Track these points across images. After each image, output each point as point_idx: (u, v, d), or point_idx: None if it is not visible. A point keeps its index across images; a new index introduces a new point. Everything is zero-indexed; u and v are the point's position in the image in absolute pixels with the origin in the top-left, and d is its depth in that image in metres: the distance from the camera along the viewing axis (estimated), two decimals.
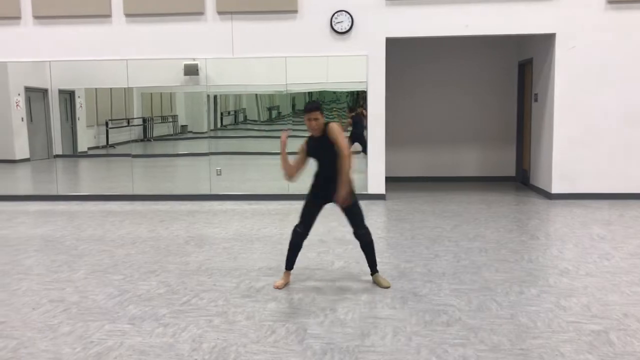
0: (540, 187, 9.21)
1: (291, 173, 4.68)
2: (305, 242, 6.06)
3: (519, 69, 10.45)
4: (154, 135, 10.92)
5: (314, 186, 4.71)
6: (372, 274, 4.84)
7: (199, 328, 3.85)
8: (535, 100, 9.40)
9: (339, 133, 4.45)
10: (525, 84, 10.19)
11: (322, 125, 4.52)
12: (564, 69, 8.41)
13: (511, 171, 10.73)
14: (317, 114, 4.49)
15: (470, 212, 7.83)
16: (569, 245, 5.96)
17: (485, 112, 10.65)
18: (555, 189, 8.59)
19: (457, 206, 8.26)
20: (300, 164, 4.70)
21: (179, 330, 3.82)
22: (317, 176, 4.70)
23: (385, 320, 3.95)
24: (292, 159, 4.70)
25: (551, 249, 5.87)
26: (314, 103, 4.59)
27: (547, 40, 8.67)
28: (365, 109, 8.81)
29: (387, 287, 4.69)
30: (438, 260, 5.43)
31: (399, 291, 4.57)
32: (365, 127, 8.83)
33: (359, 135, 9.18)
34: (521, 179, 10.42)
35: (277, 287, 4.70)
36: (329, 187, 4.54)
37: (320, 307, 4.23)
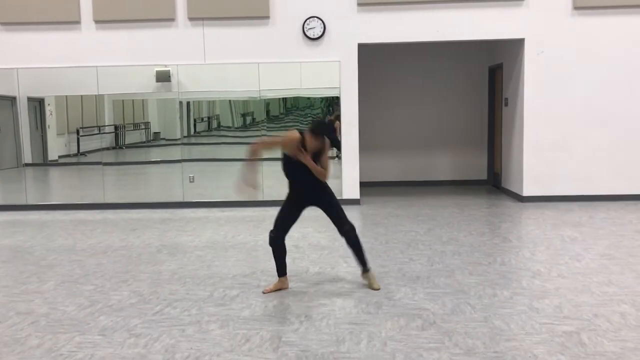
0: (511, 190, 9.33)
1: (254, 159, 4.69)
2: None
3: (490, 74, 10.59)
4: (126, 143, 10.79)
5: (289, 187, 4.80)
6: (362, 273, 4.84)
7: (172, 338, 3.80)
8: (506, 104, 9.53)
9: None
10: (496, 89, 10.33)
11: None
12: (533, 74, 8.55)
13: (483, 174, 10.85)
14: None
15: (443, 215, 7.89)
16: (540, 248, 6.04)
17: (457, 117, 10.76)
18: (527, 191, 8.71)
19: (430, 210, 8.32)
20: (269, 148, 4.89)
21: (151, 341, 3.75)
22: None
23: (360, 326, 3.94)
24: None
25: (523, 251, 5.94)
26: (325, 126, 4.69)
27: (516, 46, 8.80)
28: (338, 114, 8.82)
29: (377, 289, 4.69)
30: (412, 264, 5.45)
31: (373, 296, 4.57)
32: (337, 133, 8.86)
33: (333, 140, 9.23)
34: (493, 182, 10.55)
35: (266, 292, 4.71)
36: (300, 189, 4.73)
37: (295, 314, 4.21)
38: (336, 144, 9.06)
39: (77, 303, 4.52)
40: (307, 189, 4.72)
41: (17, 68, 8.95)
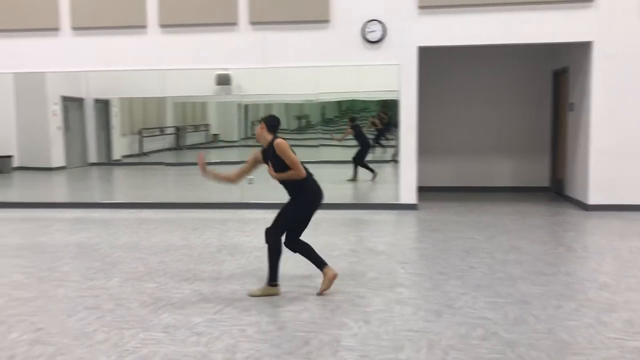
0: (575, 197, 9.02)
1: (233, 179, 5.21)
2: (336, 252, 6.06)
3: (554, 78, 10.28)
4: (186, 144, 11.05)
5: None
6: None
7: (233, 337, 3.85)
8: (571, 109, 9.23)
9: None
10: (560, 93, 10.01)
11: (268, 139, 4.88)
12: (602, 78, 8.24)
13: (545, 181, 10.54)
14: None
15: (504, 223, 7.70)
16: (607, 258, 5.81)
17: (518, 121, 10.49)
18: (592, 199, 8.40)
19: (490, 217, 8.14)
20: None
21: (212, 340, 3.82)
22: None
23: (419, 333, 3.90)
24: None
25: (589, 261, 5.73)
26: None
27: (583, 49, 8.51)
28: (392, 117, 8.77)
29: (251, 296, 4.70)
30: (473, 272, 5.34)
31: (433, 303, 4.50)
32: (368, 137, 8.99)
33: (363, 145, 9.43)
34: (555, 189, 10.22)
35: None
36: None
37: (353, 318, 4.20)
38: (362, 139, 9.24)
39: (140, 300, 4.65)
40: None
41: (87, 71, 9.29)
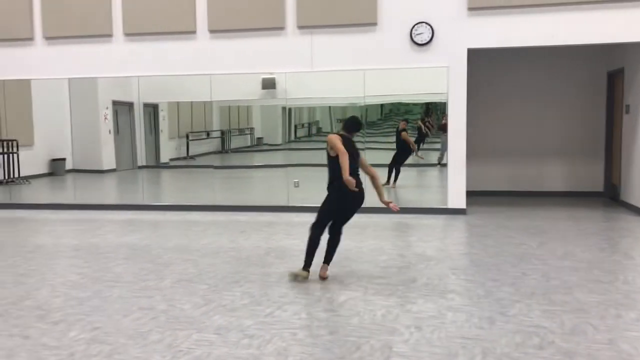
0: (632, 203, 8.71)
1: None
2: (384, 257, 6.04)
3: (608, 79, 9.98)
4: (231, 147, 11.18)
5: None
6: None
7: (284, 341, 3.86)
8: (627, 112, 8.93)
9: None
10: (615, 95, 9.70)
11: None
12: None
13: (599, 186, 10.22)
14: None
15: (557, 228, 7.50)
16: None
17: (571, 124, 10.22)
18: None
19: (542, 222, 7.93)
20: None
21: (264, 342, 3.83)
22: None
23: (473, 341, 3.82)
24: None
25: None
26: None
27: (639, 49, 8.22)
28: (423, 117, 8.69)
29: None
30: (526, 279, 5.21)
31: (486, 310, 4.41)
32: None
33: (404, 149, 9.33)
34: (610, 194, 9.90)
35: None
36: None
37: (404, 324, 4.14)
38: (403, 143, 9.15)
39: (192, 301, 4.70)
40: None
41: (138, 76, 9.49)
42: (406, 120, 9.69)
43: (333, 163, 5.09)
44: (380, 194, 5.28)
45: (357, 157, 5.22)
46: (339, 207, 5.22)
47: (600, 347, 3.69)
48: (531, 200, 9.77)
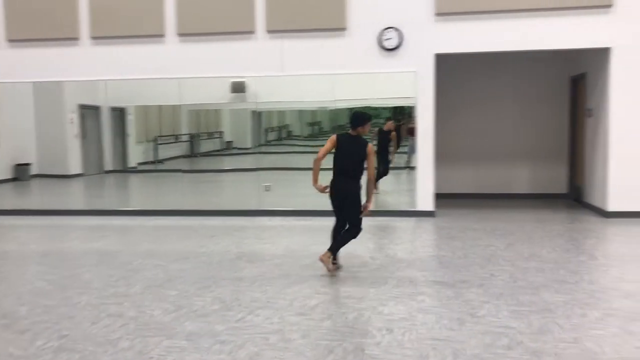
0: (595, 204, 8.94)
1: None
2: (356, 260, 6.07)
3: (572, 84, 10.23)
4: (200, 151, 11.11)
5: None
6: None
7: (256, 346, 3.85)
8: (590, 115, 9.17)
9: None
10: (578, 99, 9.95)
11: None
12: (621, 84, 8.18)
13: (563, 188, 10.46)
14: None
15: (523, 230, 7.65)
16: (630, 266, 5.75)
17: (536, 128, 10.44)
18: (612, 206, 8.32)
19: (509, 224, 8.09)
20: None
21: (236, 348, 3.82)
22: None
23: (444, 342, 3.87)
24: None
25: (612, 270, 5.68)
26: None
27: (601, 55, 8.45)
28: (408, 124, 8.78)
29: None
30: (494, 280, 5.31)
31: (455, 312, 4.48)
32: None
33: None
34: (574, 196, 10.14)
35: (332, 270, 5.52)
36: None
37: (376, 327, 4.18)
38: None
39: (163, 307, 4.66)
40: None
41: (105, 80, 9.35)
42: (391, 119, 9.75)
43: None
44: (366, 196, 5.55)
45: (351, 156, 5.46)
46: (331, 204, 5.66)
47: (566, 346, 3.78)
48: (498, 203, 9.95)
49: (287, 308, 4.61)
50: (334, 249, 5.54)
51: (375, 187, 5.68)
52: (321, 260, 5.48)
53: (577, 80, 9.96)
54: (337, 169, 5.50)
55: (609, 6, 8.07)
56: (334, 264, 5.58)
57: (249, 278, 5.50)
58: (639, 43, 8.09)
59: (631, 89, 8.16)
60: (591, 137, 9.13)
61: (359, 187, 5.53)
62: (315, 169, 5.46)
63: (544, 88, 10.41)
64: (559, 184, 10.49)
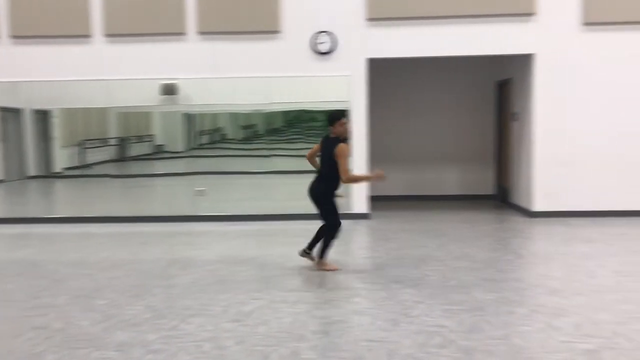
0: (520, 205, 9.30)
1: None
2: (291, 264, 6.06)
3: (498, 88, 10.61)
4: (130, 155, 10.80)
5: (335, 188, 5.65)
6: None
7: (189, 354, 3.76)
8: (515, 119, 9.53)
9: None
10: (504, 103, 10.33)
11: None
12: (544, 89, 8.55)
13: (490, 189, 10.83)
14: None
15: (454, 230, 7.85)
16: (554, 264, 6.01)
17: (466, 131, 10.76)
18: (536, 206, 8.68)
19: (441, 225, 8.28)
20: None
21: (168, 357, 3.72)
22: (336, 179, 5.54)
23: (379, 343, 3.91)
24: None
25: (537, 267, 5.91)
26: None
27: (526, 61, 8.81)
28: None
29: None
30: (427, 280, 5.41)
31: (390, 312, 4.53)
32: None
33: None
34: (501, 197, 10.51)
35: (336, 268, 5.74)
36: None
37: (312, 330, 4.17)
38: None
39: (91, 318, 4.48)
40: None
41: (26, 81, 8.93)
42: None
43: None
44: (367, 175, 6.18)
45: (323, 156, 5.64)
46: None
47: (496, 343, 3.89)
48: (430, 204, 10.18)
49: (221, 315, 4.54)
50: (321, 254, 5.74)
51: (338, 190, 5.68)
52: (320, 269, 5.74)
53: (503, 85, 10.34)
54: (317, 170, 5.80)
55: (532, 14, 8.42)
56: (307, 253, 5.88)
57: (182, 285, 5.37)
58: (561, 49, 8.48)
59: (554, 93, 8.54)
60: (517, 140, 9.50)
61: (328, 188, 5.60)
62: (313, 165, 5.92)
63: (472, 92, 10.74)
64: (487, 185, 10.85)
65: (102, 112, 9.87)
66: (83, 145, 11.02)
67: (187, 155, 9.57)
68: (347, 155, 5.48)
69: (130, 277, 5.66)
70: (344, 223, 8.43)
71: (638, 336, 3.97)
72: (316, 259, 5.83)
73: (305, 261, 6.07)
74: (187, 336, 4.08)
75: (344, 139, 5.58)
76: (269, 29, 8.61)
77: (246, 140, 9.82)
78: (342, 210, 8.36)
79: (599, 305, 4.65)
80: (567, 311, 4.51)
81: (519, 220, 8.61)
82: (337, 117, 5.60)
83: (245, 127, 10.26)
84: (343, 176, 5.45)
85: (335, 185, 5.61)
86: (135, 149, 11.04)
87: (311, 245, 5.91)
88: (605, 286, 5.17)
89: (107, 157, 10.75)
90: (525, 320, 4.34)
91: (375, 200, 9.63)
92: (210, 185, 9.20)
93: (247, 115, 9.61)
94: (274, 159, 9.22)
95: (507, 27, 8.47)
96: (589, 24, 8.40)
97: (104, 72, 8.76)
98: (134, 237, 7.71)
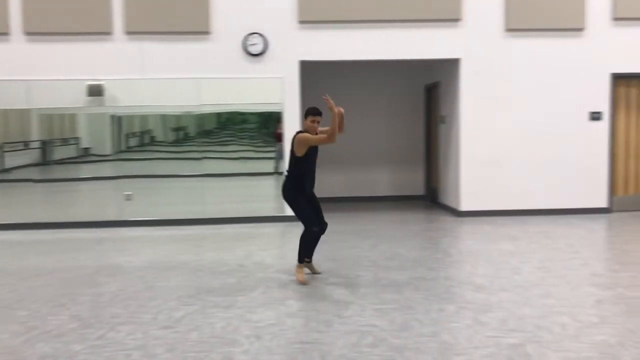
0: (449, 205, 9.57)
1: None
2: (224, 268, 5.99)
3: (426, 92, 10.88)
4: (54, 159, 10.36)
5: (303, 186, 5.46)
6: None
7: None
8: (443, 122, 9.81)
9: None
10: (432, 107, 10.61)
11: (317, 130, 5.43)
12: (469, 92, 8.84)
13: (421, 190, 11.09)
14: (320, 118, 5.41)
15: (386, 231, 7.98)
16: (481, 261, 6.21)
17: (396, 133, 10.98)
18: (464, 206, 8.96)
19: (373, 225, 8.41)
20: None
21: None
22: (306, 175, 5.46)
23: (312, 345, 3.92)
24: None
25: (465, 265, 6.09)
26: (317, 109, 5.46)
27: (452, 65, 9.09)
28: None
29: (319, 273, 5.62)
30: (360, 281, 5.48)
31: (323, 314, 4.55)
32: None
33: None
34: (430, 197, 10.79)
35: (304, 282, 5.36)
36: (312, 184, 5.58)
37: (245, 334, 4.13)
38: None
39: (11, 330, 4.26)
40: (313, 180, 5.63)
41: None
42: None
43: None
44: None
45: (290, 157, 5.54)
46: None
47: (426, 340, 3.98)
48: (362, 205, 10.31)
49: (151, 322, 4.42)
50: (299, 258, 5.54)
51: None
52: (299, 281, 5.43)
53: (431, 88, 10.62)
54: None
55: (458, 20, 8.68)
56: (307, 261, 5.66)
57: (110, 293, 5.20)
58: (485, 54, 8.79)
59: (478, 97, 8.85)
60: (444, 142, 9.77)
61: (292, 186, 5.46)
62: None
63: (403, 95, 10.97)
64: (417, 186, 11.10)
65: (24, 113, 9.41)
66: (2, 148, 10.49)
67: (114, 158, 9.26)
68: (307, 141, 5.33)
69: (55, 286, 5.43)
70: (278, 226, 8.46)
71: (559, 329, 4.15)
72: (314, 267, 5.73)
73: (239, 265, 6.00)
74: (115, 345, 3.95)
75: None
76: (199, 30, 8.49)
77: (177, 142, 9.61)
78: (275, 213, 8.33)
79: (523, 300, 4.84)
80: (493, 307, 4.67)
81: (448, 220, 8.85)
82: (306, 113, 5.49)
83: (176, 130, 10.05)
84: (328, 140, 5.35)
85: (301, 183, 5.43)
86: (60, 152, 10.59)
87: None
88: (529, 282, 5.39)
89: (28, 161, 10.27)
90: (453, 317, 4.46)
91: None
92: (140, 189, 8.96)
93: (178, 117, 9.41)
94: (206, 162, 9.08)
95: (434, 32, 8.71)
96: (511, 30, 8.75)
97: (24, 72, 8.39)
98: (59, 244, 7.41)
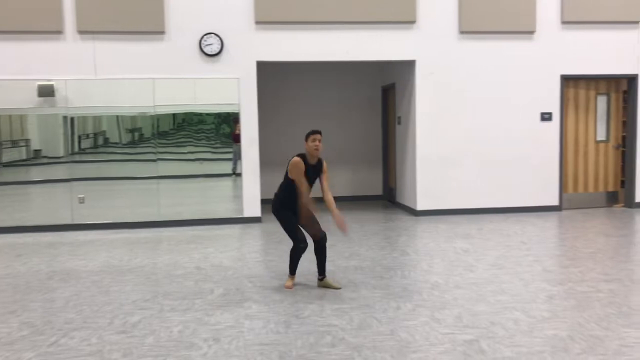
0: (406, 204, 9.70)
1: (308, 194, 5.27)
2: (180, 271, 5.93)
3: (383, 94, 11.00)
4: (2, 161, 10.05)
5: (290, 202, 5.28)
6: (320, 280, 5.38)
7: None
8: (399, 123, 9.93)
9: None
10: (389, 108, 10.73)
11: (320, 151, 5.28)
12: (424, 94, 8.98)
13: (379, 190, 11.20)
14: (320, 136, 5.32)
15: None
16: (436, 260, 6.32)
17: (354, 134, 11.06)
18: (420, 205, 9.09)
19: (332, 225, 8.41)
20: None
21: None
22: (293, 194, 5.24)
23: (270, 346, 3.91)
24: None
25: (421, 263, 6.18)
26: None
27: (408, 67, 9.21)
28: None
29: (339, 288, 5.25)
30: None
31: (282, 315, 4.55)
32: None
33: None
34: (388, 197, 10.91)
35: (288, 288, 5.27)
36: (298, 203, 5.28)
37: (202, 337, 4.10)
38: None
39: None
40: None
41: None
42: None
43: None
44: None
45: None
46: None
47: (383, 338, 4.03)
48: (321, 205, 10.29)
49: (106, 327, 4.34)
50: (290, 270, 5.40)
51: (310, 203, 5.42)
52: (287, 287, 5.33)
53: (387, 90, 10.74)
54: None
55: (412, 22, 8.81)
56: (320, 280, 5.38)
57: (63, 298, 5.08)
58: (438, 56, 8.94)
59: (433, 98, 8.99)
60: (401, 142, 9.89)
61: (279, 200, 5.34)
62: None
63: (361, 97, 11.06)
64: (376, 186, 11.21)
65: None
66: None
67: (67, 160, 9.04)
68: (294, 171, 5.16)
69: (4, 293, 5.27)
70: (236, 227, 8.41)
71: (512, 324, 4.27)
72: (325, 278, 5.40)
73: (196, 267, 5.94)
74: (69, 351, 3.86)
75: (313, 157, 5.30)
76: (153, 29, 8.37)
77: (131, 144, 9.44)
78: (233, 215, 8.28)
79: (477, 297, 4.95)
80: (449, 304, 4.76)
81: (405, 219, 8.97)
82: (306, 135, 5.33)
83: (131, 131, 9.87)
84: (300, 187, 5.20)
85: (287, 198, 5.27)
86: (9, 155, 10.28)
87: (319, 270, 5.41)
88: (483, 279, 5.51)
89: None
90: (410, 314, 4.52)
91: (267, 203, 9.61)
92: (94, 192, 8.77)
93: (132, 118, 9.24)
94: (161, 163, 8.95)
95: (389, 34, 8.81)
96: (464, 32, 8.93)
97: None
98: (9, 249, 7.19)
